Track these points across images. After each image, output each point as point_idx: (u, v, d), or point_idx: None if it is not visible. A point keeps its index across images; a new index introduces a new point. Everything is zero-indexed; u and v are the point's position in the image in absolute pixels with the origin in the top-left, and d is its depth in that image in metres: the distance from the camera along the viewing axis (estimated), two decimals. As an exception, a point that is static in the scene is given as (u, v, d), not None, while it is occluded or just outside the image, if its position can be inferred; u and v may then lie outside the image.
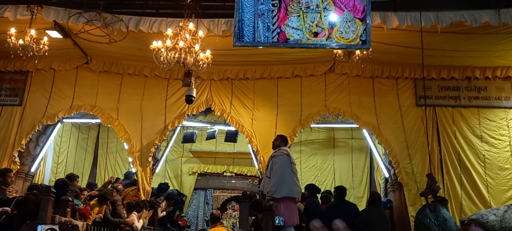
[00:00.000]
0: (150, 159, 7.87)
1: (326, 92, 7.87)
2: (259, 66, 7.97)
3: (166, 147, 9.55)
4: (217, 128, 9.97)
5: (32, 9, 6.44)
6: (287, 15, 3.78)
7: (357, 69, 7.73)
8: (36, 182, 8.11)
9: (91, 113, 8.19)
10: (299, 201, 6.08)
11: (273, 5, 3.82)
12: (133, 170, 8.30)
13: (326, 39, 3.74)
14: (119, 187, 7.65)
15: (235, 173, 11.41)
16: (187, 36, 5.88)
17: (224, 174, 11.44)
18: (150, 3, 6.97)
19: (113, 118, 8.02)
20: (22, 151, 7.90)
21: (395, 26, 6.17)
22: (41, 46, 6.38)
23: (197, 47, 5.90)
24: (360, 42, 3.85)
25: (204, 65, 6.03)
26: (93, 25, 6.53)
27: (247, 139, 7.87)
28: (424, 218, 5.55)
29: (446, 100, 7.75)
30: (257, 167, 8.26)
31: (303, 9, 3.77)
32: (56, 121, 8.16)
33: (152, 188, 8.26)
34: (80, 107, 8.08)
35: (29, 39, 6.19)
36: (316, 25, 3.75)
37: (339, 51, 6.51)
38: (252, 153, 8.36)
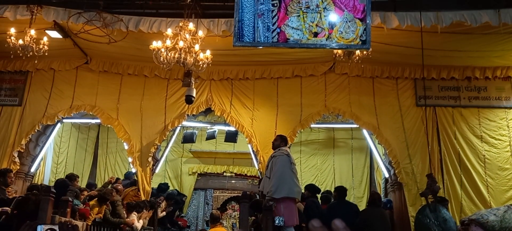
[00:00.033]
0: (150, 159, 7.87)
1: (326, 92, 7.87)
2: (259, 66, 7.97)
3: (166, 147, 9.55)
4: (217, 128, 9.97)
5: (32, 9, 6.43)
6: (287, 15, 3.78)
7: (357, 69, 7.73)
8: (36, 182, 8.11)
9: (91, 113, 8.19)
10: (299, 201, 6.07)
11: (273, 5, 3.82)
12: (133, 170, 8.29)
13: (326, 39, 3.74)
14: (119, 187, 7.65)
15: (235, 173, 11.41)
16: (187, 36, 5.87)
17: (224, 174, 11.44)
18: (150, 3, 6.96)
19: (113, 118, 8.02)
20: (22, 151, 7.90)
21: (395, 26, 6.17)
22: (41, 46, 6.37)
23: (197, 47, 5.90)
24: (360, 42, 3.84)
25: (204, 65, 6.02)
26: (93, 25, 6.53)
27: (247, 139, 7.87)
28: (424, 218, 5.55)
29: (446, 101, 7.75)
30: (257, 167, 8.26)
31: (303, 9, 3.77)
32: (56, 121, 8.16)
33: (152, 188, 8.26)
34: (80, 107, 8.08)
35: (29, 39, 6.19)
36: (316, 25, 3.75)
37: (339, 51, 6.50)
38: (252, 153, 8.36)
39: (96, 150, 11.29)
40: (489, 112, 7.66)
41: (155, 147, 7.97)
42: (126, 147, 8.19)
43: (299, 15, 3.77)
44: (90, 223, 5.89)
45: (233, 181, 11.45)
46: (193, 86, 6.88)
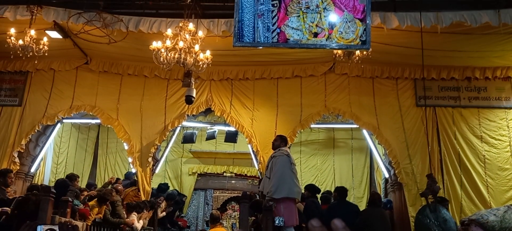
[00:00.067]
0: (150, 159, 7.87)
1: (326, 92, 7.87)
2: (259, 66, 7.97)
3: (166, 147, 9.56)
4: (217, 128, 9.97)
5: (32, 9, 6.43)
6: (287, 15, 3.77)
7: (357, 70, 7.73)
8: (35, 183, 8.11)
9: (91, 113, 8.19)
10: (298, 202, 6.07)
11: (273, 5, 3.82)
12: (133, 170, 8.29)
13: (326, 40, 3.74)
14: (119, 187, 7.65)
15: (235, 174, 11.42)
16: (187, 36, 5.87)
17: (224, 174, 11.44)
18: (150, 3, 6.97)
19: (113, 118, 8.02)
20: (22, 151, 7.90)
21: (395, 26, 6.17)
22: (41, 46, 6.37)
23: (197, 47, 5.90)
24: (360, 43, 3.84)
25: (204, 66, 6.02)
26: (93, 25, 6.52)
27: (247, 139, 7.87)
28: (424, 219, 5.54)
29: (446, 101, 7.75)
30: (257, 167, 8.26)
31: (303, 9, 3.76)
32: (56, 121, 8.16)
33: (152, 189, 8.26)
34: (80, 107, 8.08)
35: (29, 39, 6.19)
36: (316, 26, 3.75)
37: (339, 51, 6.50)
38: (252, 153, 8.36)
39: (96, 150, 11.29)
40: (489, 113, 7.66)
41: (155, 147, 7.97)
42: (126, 147, 8.19)
43: (299, 16, 3.77)
44: (90, 224, 5.89)
45: (233, 181, 11.45)
46: (193, 87, 6.88)
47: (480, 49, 7.02)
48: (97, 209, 6.24)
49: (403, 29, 6.19)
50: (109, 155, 11.20)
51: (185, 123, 8.87)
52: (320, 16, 3.76)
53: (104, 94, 8.15)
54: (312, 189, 7.31)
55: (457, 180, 7.27)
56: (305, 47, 3.87)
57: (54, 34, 6.94)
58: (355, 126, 8.26)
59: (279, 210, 5.40)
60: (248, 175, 11.28)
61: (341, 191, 6.74)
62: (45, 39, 6.49)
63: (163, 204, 8.73)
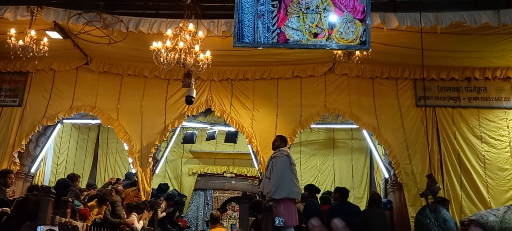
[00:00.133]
0: (150, 159, 7.87)
1: (326, 93, 7.88)
2: (259, 67, 7.97)
3: (166, 147, 9.56)
4: (217, 128, 9.97)
5: (32, 10, 6.44)
6: (287, 16, 3.77)
7: (357, 70, 7.73)
8: (36, 183, 8.11)
9: (91, 114, 8.19)
10: (298, 202, 6.07)
11: (273, 6, 3.81)
12: (134, 171, 8.30)
13: (326, 40, 3.73)
14: (119, 188, 7.65)
15: (235, 174, 11.42)
16: (187, 37, 5.87)
17: (224, 174, 11.44)
18: (150, 4, 6.97)
19: (113, 118, 8.03)
20: (22, 151, 7.90)
21: (395, 27, 6.18)
22: (41, 47, 6.37)
23: (197, 48, 5.90)
24: (360, 43, 3.84)
25: (204, 66, 6.03)
26: (93, 26, 6.53)
27: (247, 140, 7.87)
28: (424, 219, 5.55)
29: (446, 101, 7.76)
30: (257, 168, 8.26)
31: (303, 10, 3.76)
32: (56, 121, 8.17)
33: (152, 189, 8.26)
34: (80, 108, 8.08)
35: (29, 40, 6.18)
36: (316, 26, 3.75)
37: (339, 52, 6.51)
38: (252, 153, 8.36)
39: (96, 150, 11.29)
40: (489, 113, 7.66)
41: (155, 147, 7.98)
42: (126, 148, 8.19)
43: (299, 16, 3.77)
44: (90, 224, 5.89)
45: (233, 182, 11.45)
46: (193, 87, 6.88)
47: (479, 49, 7.02)
48: (97, 209, 6.25)
49: (403, 30, 6.19)
50: (109, 156, 11.21)
51: (185, 123, 8.87)
52: (320, 16, 3.76)
53: (104, 94, 8.15)
54: (311, 189, 7.32)
55: (457, 180, 7.27)
56: (305, 48, 3.87)
57: (54, 35, 6.94)
58: (355, 126, 8.26)
59: (279, 210, 5.40)
60: (248, 175, 11.29)
61: (343, 192, 6.74)
62: (45, 39, 6.49)
63: (163, 205, 8.73)
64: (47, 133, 8.43)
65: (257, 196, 7.13)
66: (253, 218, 6.44)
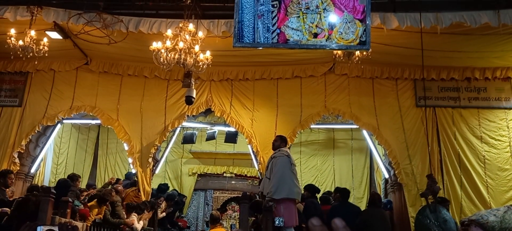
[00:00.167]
0: (150, 159, 7.87)
1: (326, 93, 7.88)
2: (259, 67, 7.98)
3: (166, 147, 9.56)
4: (217, 128, 9.97)
5: (32, 10, 6.43)
6: (287, 16, 3.78)
7: (357, 70, 7.73)
8: (36, 183, 8.11)
9: (91, 114, 8.19)
10: (298, 202, 6.07)
11: (273, 6, 3.82)
12: (134, 171, 8.30)
13: (326, 40, 3.74)
14: (119, 188, 7.65)
15: (235, 174, 11.42)
16: (187, 37, 5.87)
17: (224, 174, 11.44)
18: (150, 4, 6.97)
19: (113, 118, 8.02)
20: (22, 151, 7.90)
21: (395, 27, 6.18)
22: (41, 47, 6.37)
23: (197, 48, 5.90)
24: (360, 43, 3.84)
25: (204, 66, 6.03)
26: (93, 26, 6.53)
27: (247, 140, 7.87)
28: (424, 219, 5.54)
29: (446, 101, 7.76)
30: (257, 168, 8.26)
31: (303, 10, 3.77)
32: (56, 121, 8.16)
33: (152, 189, 8.26)
34: (80, 108, 8.08)
35: (29, 40, 6.19)
36: (316, 26, 3.75)
37: (339, 52, 6.51)
38: (252, 153, 8.36)
39: (96, 150, 11.29)
40: (489, 113, 7.66)
41: (155, 147, 7.98)
42: (126, 148, 8.19)
43: (299, 16, 3.77)
44: (90, 224, 5.88)
45: (233, 182, 11.46)
46: (193, 87, 6.89)
47: (479, 49, 7.03)
48: (97, 209, 6.25)
49: (402, 30, 6.19)
50: (109, 156, 11.21)
51: (185, 124, 8.88)
52: (320, 16, 3.76)
53: (104, 95, 8.15)
54: (311, 189, 7.31)
55: (457, 181, 7.27)
56: (305, 48, 3.87)
57: (54, 35, 6.94)
58: (355, 126, 8.27)
59: (279, 210, 5.40)
60: (248, 175, 11.29)
61: (344, 192, 6.74)
62: (45, 39, 6.49)
63: (163, 205, 8.73)
64: (47, 133, 8.43)
65: (257, 196, 7.13)
66: (253, 218, 6.44)
